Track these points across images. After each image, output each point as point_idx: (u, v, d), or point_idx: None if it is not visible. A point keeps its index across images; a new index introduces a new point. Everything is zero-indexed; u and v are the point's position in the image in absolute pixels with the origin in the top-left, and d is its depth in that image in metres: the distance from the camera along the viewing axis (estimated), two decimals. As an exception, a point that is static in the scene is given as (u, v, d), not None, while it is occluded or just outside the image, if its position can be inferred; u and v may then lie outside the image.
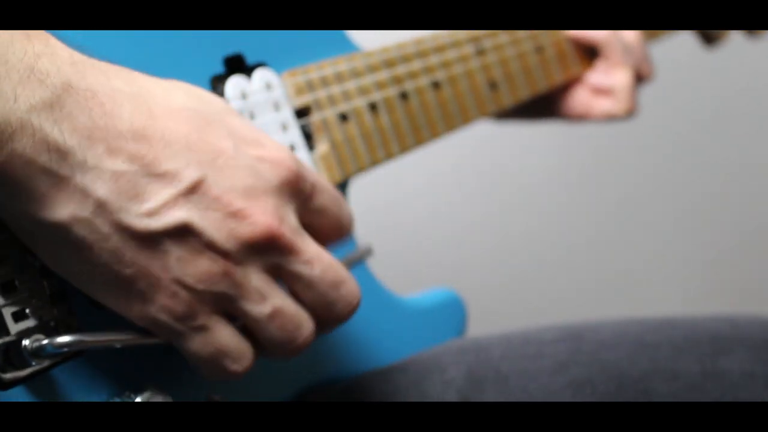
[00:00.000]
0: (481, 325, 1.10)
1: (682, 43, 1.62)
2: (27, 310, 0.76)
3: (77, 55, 0.74)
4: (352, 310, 0.82)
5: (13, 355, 0.74)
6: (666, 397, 0.92)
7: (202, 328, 0.76)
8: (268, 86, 0.94)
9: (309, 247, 0.79)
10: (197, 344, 0.77)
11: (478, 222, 1.35)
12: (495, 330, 1.01)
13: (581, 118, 1.27)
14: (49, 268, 0.76)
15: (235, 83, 0.92)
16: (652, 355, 0.94)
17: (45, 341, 0.74)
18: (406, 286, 1.05)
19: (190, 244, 0.74)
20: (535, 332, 0.98)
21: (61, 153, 0.71)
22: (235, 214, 0.75)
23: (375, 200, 1.21)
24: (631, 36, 1.26)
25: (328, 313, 0.81)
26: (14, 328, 0.75)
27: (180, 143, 0.74)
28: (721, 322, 0.97)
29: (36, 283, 0.77)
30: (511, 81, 1.18)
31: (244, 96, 0.92)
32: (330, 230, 0.83)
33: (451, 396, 0.93)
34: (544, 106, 1.29)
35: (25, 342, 0.75)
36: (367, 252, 0.95)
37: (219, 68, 0.93)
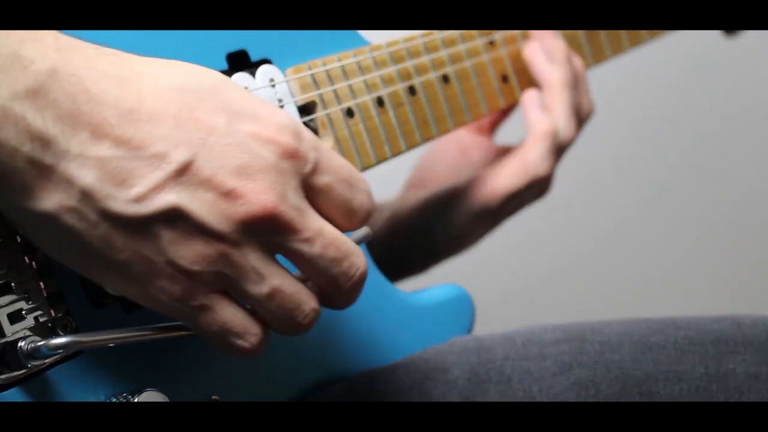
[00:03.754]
0: (484, 325, 1.10)
1: (699, 42, 1.61)
2: (23, 312, 0.76)
3: (63, 40, 0.72)
4: (355, 283, 0.80)
5: (9, 357, 0.74)
6: (670, 398, 0.92)
7: (204, 308, 0.75)
8: (272, 83, 0.94)
9: (310, 223, 0.77)
10: (202, 322, 0.76)
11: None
12: (498, 329, 1.00)
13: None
14: (50, 257, 0.75)
15: (238, 79, 0.92)
16: (656, 356, 0.94)
17: (41, 343, 0.74)
18: (410, 284, 1.04)
19: (181, 227, 0.73)
20: (538, 332, 0.97)
21: (44, 141, 0.70)
22: (228, 195, 0.73)
23: (381, 197, 1.21)
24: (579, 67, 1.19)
25: (332, 288, 0.79)
26: (10, 329, 0.75)
27: (168, 124, 0.72)
28: (725, 323, 0.96)
29: (33, 284, 0.77)
30: (523, 74, 1.17)
31: (247, 93, 0.92)
32: (337, 213, 0.80)
33: (453, 397, 0.93)
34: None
35: (21, 343, 0.74)
36: (365, 236, 0.91)
37: (222, 65, 0.93)
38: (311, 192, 0.78)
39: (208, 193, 0.73)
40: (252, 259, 0.75)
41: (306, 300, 0.78)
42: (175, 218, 0.72)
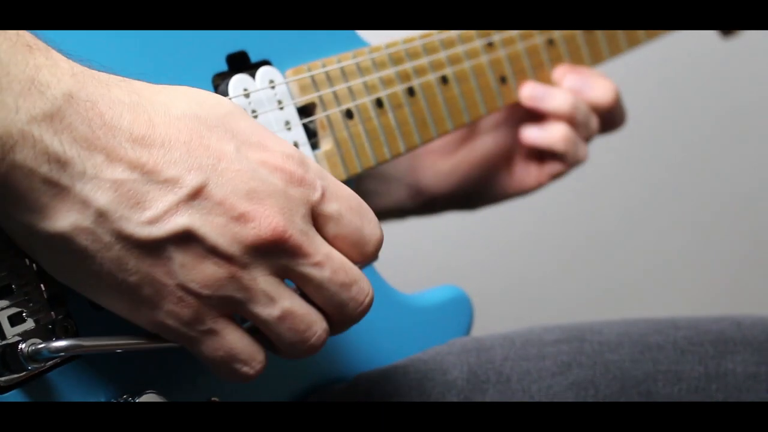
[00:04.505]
0: (483, 325, 1.10)
1: (693, 43, 1.61)
2: (24, 314, 0.76)
3: (78, 67, 0.74)
4: (364, 310, 0.81)
5: (10, 359, 0.74)
6: (669, 398, 0.92)
7: (211, 332, 0.76)
8: (272, 84, 0.94)
9: (318, 248, 0.78)
10: (207, 348, 0.77)
11: (482, 222, 1.35)
12: (497, 330, 1.00)
13: (529, 189, 1.22)
14: (54, 277, 0.76)
15: (237, 81, 0.92)
16: (656, 356, 0.94)
17: (41, 345, 0.75)
18: (409, 286, 1.04)
19: (193, 249, 0.74)
20: (538, 333, 0.97)
21: (61, 163, 0.71)
22: (239, 218, 0.75)
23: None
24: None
25: (340, 314, 0.80)
26: (11, 331, 0.75)
27: (180, 149, 0.74)
28: (725, 323, 0.96)
29: (33, 286, 0.77)
30: (522, 75, 1.17)
31: (246, 94, 0.92)
32: (347, 242, 0.81)
33: (452, 397, 0.93)
34: (485, 191, 1.24)
35: (22, 346, 0.75)
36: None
37: (223, 66, 0.93)
38: (321, 220, 0.79)
39: (220, 217, 0.74)
40: (262, 282, 0.76)
41: (317, 321, 0.79)
42: (187, 240, 0.74)
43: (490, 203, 1.25)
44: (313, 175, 0.79)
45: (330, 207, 0.79)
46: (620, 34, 1.26)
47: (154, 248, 0.74)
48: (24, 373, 0.75)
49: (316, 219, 0.79)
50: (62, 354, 0.75)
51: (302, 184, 0.78)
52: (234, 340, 0.77)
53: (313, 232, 0.78)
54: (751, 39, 1.47)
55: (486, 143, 1.22)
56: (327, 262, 0.78)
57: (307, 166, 0.79)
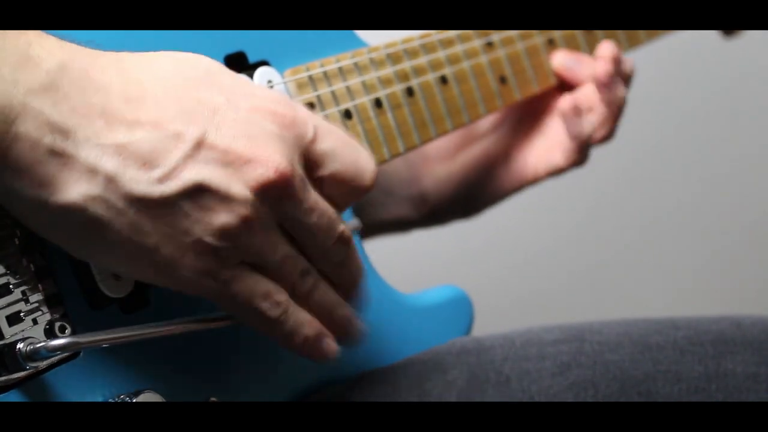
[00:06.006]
0: (483, 325, 1.10)
1: (692, 43, 1.61)
2: (21, 313, 0.76)
3: (64, 41, 0.75)
4: (345, 242, 0.84)
5: (8, 359, 0.74)
6: (669, 398, 0.92)
7: (233, 279, 0.78)
8: (270, 84, 0.94)
9: (310, 193, 0.80)
10: (232, 290, 0.78)
11: (482, 222, 1.35)
12: (497, 330, 1.00)
13: (535, 178, 1.21)
14: (73, 256, 0.77)
15: (237, 82, 0.92)
16: (655, 356, 0.94)
17: (39, 344, 0.75)
18: (409, 286, 1.04)
19: (205, 202, 0.76)
20: (537, 333, 0.97)
21: (64, 132, 0.72)
22: (247, 162, 0.76)
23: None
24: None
25: (323, 258, 0.83)
26: (8, 331, 0.75)
27: (175, 106, 0.76)
28: (725, 323, 0.96)
29: (31, 285, 0.77)
30: (522, 75, 1.17)
31: (245, 94, 0.92)
32: (346, 174, 0.83)
33: (451, 397, 0.93)
34: (483, 191, 1.24)
35: (20, 345, 0.75)
36: (355, 227, 0.92)
37: (221, 66, 0.93)
38: (317, 158, 0.82)
39: (226, 164, 0.76)
40: (269, 232, 0.78)
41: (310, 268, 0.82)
42: (200, 193, 0.75)
43: (489, 204, 1.26)
44: (303, 114, 0.81)
45: (324, 144, 0.82)
46: (620, 35, 1.26)
47: (168, 205, 0.75)
48: (22, 372, 0.75)
49: (312, 160, 0.81)
50: (60, 352, 0.75)
51: (295, 125, 0.80)
52: (255, 280, 0.79)
53: (305, 178, 0.80)
54: (751, 39, 1.47)
55: (483, 145, 1.22)
56: (315, 207, 0.81)
57: (296, 107, 0.81)
